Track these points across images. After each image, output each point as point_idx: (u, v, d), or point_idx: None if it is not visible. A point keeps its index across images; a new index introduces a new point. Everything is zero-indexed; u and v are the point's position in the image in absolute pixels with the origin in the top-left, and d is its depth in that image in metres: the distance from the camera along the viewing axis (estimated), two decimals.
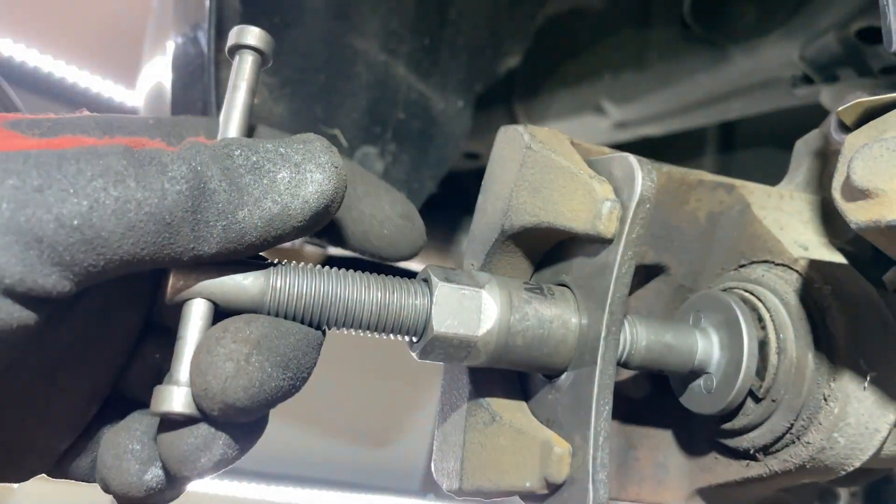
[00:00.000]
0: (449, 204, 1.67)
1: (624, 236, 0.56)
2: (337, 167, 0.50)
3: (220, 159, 0.48)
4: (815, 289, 0.68)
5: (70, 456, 0.54)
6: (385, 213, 0.65)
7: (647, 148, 1.77)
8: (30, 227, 0.41)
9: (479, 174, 0.67)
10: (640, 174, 0.56)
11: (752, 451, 0.71)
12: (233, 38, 0.54)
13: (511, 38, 1.62)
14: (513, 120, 1.80)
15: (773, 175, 0.83)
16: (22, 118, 0.49)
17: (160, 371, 0.55)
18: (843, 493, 1.38)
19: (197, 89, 1.30)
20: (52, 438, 0.53)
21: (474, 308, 0.56)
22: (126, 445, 0.50)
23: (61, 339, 0.50)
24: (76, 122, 0.52)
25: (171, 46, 1.35)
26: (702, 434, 0.76)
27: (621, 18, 1.63)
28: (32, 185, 0.41)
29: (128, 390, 0.57)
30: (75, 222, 0.42)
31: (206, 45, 1.24)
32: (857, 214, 0.50)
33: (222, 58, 1.26)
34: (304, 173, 0.49)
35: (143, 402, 0.54)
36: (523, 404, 0.64)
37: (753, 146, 1.76)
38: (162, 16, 1.49)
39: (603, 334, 0.56)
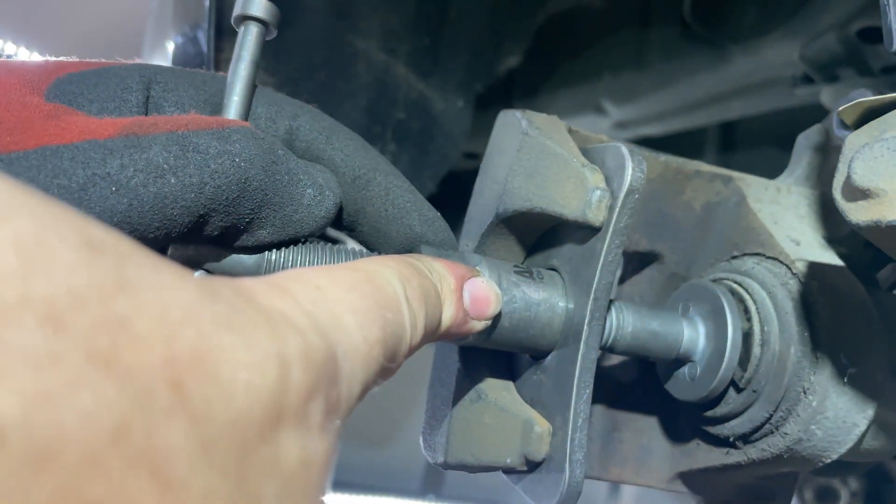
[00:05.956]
0: (449, 204, 1.67)
1: (612, 225, 0.57)
2: (340, 199, 0.53)
3: (264, 156, 0.48)
4: (803, 283, 0.69)
5: None
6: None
7: (648, 148, 1.77)
8: None
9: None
10: (631, 164, 0.57)
11: (731, 439, 0.72)
12: (237, 8, 0.54)
13: (511, 37, 1.61)
14: None
15: (773, 175, 0.83)
16: (70, 75, 0.49)
17: None
18: (844, 493, 1.38)
19: None
20: None
21: None
22: None
23: None
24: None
25: (171, 46, 1.35)
26: (685, 420, 0.77)
27: (621, 18, 1.63)
28: (78, 184, 0.42)
29: None
30: (115, 219, 0.43)
31: (206, 45, 1.24)
32: (857, 214, 0.50)
33: (222, 57, 1.26)
34: (324, 196, 0.51)
35: None
36: (509, 384, 0.65)
37: (754, 146, 1.76)
38: (162, 16, 1.49)
39: (587, 319, 0.57)
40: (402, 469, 3.15)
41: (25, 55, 2.91)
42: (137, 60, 0.53)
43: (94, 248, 0.24)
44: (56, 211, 0.25)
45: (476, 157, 1.84)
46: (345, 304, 0.37)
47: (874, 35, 1.20)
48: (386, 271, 0.43)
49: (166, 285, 0.26)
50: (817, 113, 1.34)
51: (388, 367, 0.41)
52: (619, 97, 1.62)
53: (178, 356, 0.25)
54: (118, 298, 0.24)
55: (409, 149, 1.52)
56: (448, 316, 0.50)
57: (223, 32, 1.24)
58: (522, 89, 1.77)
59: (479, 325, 0.53)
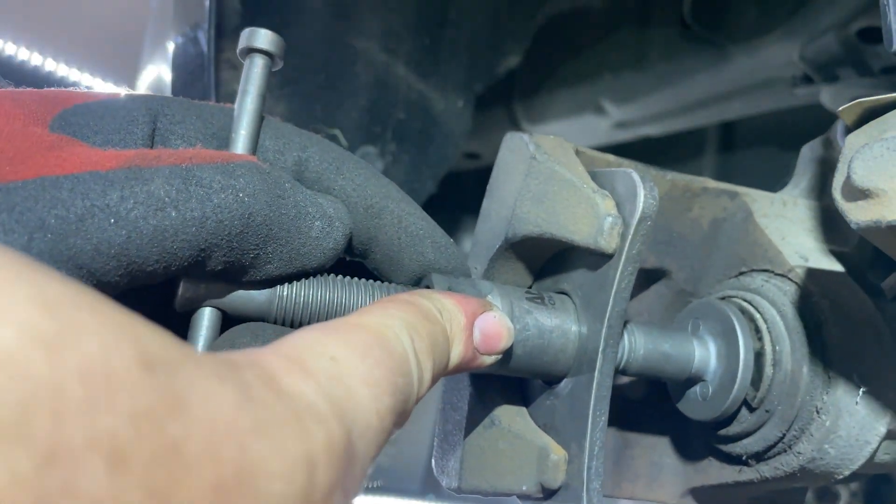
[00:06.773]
0: (449, 204, 1.67)
1: (625, 252, 0.57)
2: (350, 229, 0.52)
3: (270, 190, 0.47)
4: (813, 301, 0.68)
5: None
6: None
7: (648, 148, 1.77)
8: (70, 255, 0.41)
9: (479, 174, 0.67)
10: (643, 192, 0.56)
11: (744, 457, 0.72)
12: (243, 41, 0.53)
13: (511, 37, 1.61)
14: (513, 120, 1.80)
15: (772, 175, 0.82)
16: (76, 106, 0.48)
17: None
18: (844, 493, 1.38)
19: (197, 89, 1.30)
20: None
21: None
22: None
23: None
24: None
25: (171, 46, 1.35)
26: (697, 438, 0.77)
27: (621, 18, 1.63)
28: (76, 214, 0.41)
29: None
30: (113, 251, 0.42)
31: (206, 45, 1.24)
32: (857, 214, 0.50)
33: (222, 58, 1.26)
34: (333, 227, 0.51)
35: None
36: (522, 409, 0.65)
37: (753, 146, 1.76)
38: (162, 16, 1.49)
39: (601, 347, 0.57)
40: (402, 469, 3.15)
41: (25, 55, 2.91)
42: (146, 93, 0.53)
43: (148, 365, 0.26)
44: (118, 324, 0.26)
45: (476, 157, 1.84)
46: (359, 376, 0.38)
47: (874, 35, 1.20)
48: (395, 325, 0.43)
49: (210, 394, 0.28)
50: (817, 113, 1.34)
51: (393, 431, 0.41)
52: (619, 97, 1.62)
53: (224, 478, 0.27)
54: (172, 421, 0.26)
55: (409, 149, 1.51)
56: (456, 355, 0.49)
57: (223, 32, 1.24)
58: (522, 89, 1.77)
59: (489, 360, 0.52)
